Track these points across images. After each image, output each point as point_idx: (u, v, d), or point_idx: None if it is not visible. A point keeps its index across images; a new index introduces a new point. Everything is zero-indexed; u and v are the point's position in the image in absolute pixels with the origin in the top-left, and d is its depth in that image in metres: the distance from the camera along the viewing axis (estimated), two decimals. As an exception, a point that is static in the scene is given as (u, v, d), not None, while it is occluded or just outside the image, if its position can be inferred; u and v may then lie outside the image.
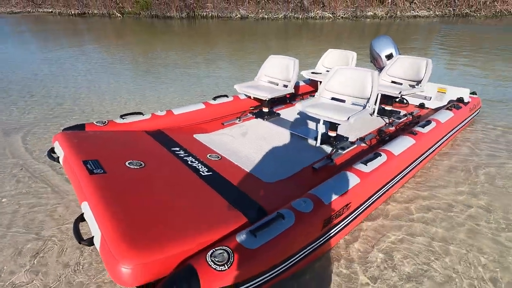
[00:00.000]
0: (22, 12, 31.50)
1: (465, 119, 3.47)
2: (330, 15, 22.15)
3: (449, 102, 3.67)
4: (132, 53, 9.86)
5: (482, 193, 2.64)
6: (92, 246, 1.98)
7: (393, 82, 3.69)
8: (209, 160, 2.45)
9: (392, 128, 3.33)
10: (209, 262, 1.30)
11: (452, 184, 2.77)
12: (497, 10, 19.77)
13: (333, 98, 2.99)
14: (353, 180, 2.00)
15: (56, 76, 6.82)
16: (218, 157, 2.58)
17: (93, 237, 1.42)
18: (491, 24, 16.62)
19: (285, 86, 3.49)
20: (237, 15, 23.03)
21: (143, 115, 3.05)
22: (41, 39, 13.34)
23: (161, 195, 1.78)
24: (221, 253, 1.35)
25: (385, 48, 3.85)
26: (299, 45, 11.38)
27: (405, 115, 3.59)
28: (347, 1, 22.63)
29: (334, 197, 1.85)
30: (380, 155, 2.28)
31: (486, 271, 1.89)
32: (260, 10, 22.83)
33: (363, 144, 2.95)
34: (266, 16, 22.50)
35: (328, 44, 11.40)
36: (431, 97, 3.82)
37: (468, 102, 3.54)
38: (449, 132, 3.14)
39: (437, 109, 3.75)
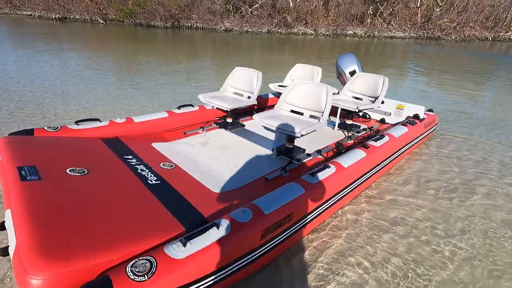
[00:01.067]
0: (1, 14, 30.53)
1: (420, 135, 3.64)
2: (312, 32, 22.90)
3: (407, 118, 3.84)
4: (110, 60, 9.71)
5: (430, 207, 2.75)
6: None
7: (354, 97, 3.83)
8: (161, 169, 2.42)
9: (351, 142, 3.43)
10: (128, 273, 1.26)
11: (403, 197, 2.87)
12: (466, 35, 21.17)
13: (292, 111, 3.06)
14: (298, 191, 2.03)
15: (22, 79, 6.59)
16: (172, 166, 2.56)
17: (8, 246, 1.35)
18: (459, 47, 17.74)
19: (249, 98, 3.54)
20: (221, 27, 23.34)
21: (100, 122, 2.99)
22: (16, 41, 12.93)
23: (96, 204, 1.73)
24: (143, 263, 1.32)
25: (349, 65, 4.02)
26: (283, 59, 11.63)
27: (364, 129, 3.72)
28: (328, 20, 23.55)
29: (275, 207, 1.86)
30: (329, 167, 2.34)
31: (424, 279, 1.95)
32: (244, 24, 23.26)
33: (320, 156, 3.02)
34: (250, 30, 22.93)
35: (310, 59, 11.78)
36: (390, 113, 3.99)
37: (423, 119, 3.72)
38: (403, 147, 3.28)
39: (395, 125, 3.91)
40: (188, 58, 10.81)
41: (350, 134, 3.58)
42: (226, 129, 3.52)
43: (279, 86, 4.34)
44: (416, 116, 3.72)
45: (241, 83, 3.62)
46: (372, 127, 3.80)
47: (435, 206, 2.74)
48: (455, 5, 21.61)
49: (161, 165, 2.50)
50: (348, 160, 2.54)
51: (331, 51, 14.62)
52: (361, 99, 3.79)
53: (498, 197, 2.92)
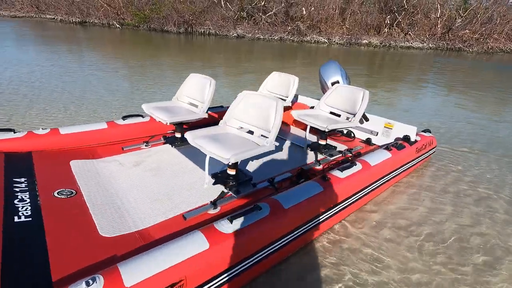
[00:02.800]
0: (25, 16, 31.98)
1: (410, 161, 2.97)
2: (326, 40, 22.28)
3: (395, 139, 3.19)
4: (121, 66, 9.42)
5: (404, 268, 2.08)
6: None
7: (332, 113, 3.22)
8: (52, 198, 1.93)
9: (319, 167, 2.82)
10: None
11: (370, 249, 2.18)
12: (489, 47, 19.82)
13: (243, 128, 2.51)
14: (204, 245, 1.47)
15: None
16: (72, 193, 2.06)
17: None
18: (482, 59, 16.53)
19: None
20: (233, 34, 23.17)
21: (15, 132, 2.55)
22: (32, 43, 13.13)
23: None
24: None
25: (331, 75, 3.42)
26: (295, 66, 11.08)
27: (340, 152, 3.09)
28: (343, 29, 22.87)
29: (161, 267, 1.31)
30: (259, 208, 1.75)
31: None
32: (256, 31, 22.98)
33: (271, 187, 2.42)
34: (262, 37, 22.60)
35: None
36: (377, 133, 3.35)
37: (415, 141, 3.05)
38: (382, 177, 2.63)
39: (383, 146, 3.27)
40: (201, 65, 10.34)
41: (320, 158, 2.97)
42: (172, 146, 3.01)
43: None
44: (406, 138, 3.05)
45: (195, 92, 3.09)
46: (352, 149, 3.17)
47: (413, 267, 2.06)
48: (478, 16, 20.35)
49: (56, 193, 2.01)
50: (295, 197, 1.94)
51: (345, 60, 13.91)
52: (339, 115, 3.18)
53: (499, 253, 2.19)
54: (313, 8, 22.97)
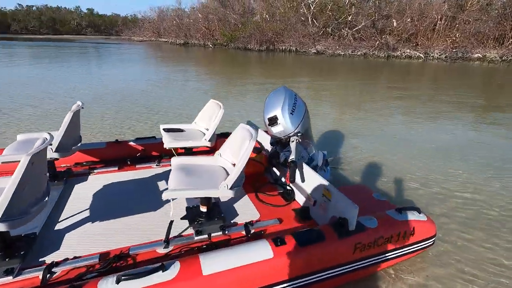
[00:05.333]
0: (148, 40, 39.25)
1: (328, 270, 1.56)
2: (421, 55, 18.95)
3: (331, 219, 1.90)
4: (211, 79, 10.14)
5: None
6: None
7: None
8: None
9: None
10: None
11: None
12: None
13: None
14: None
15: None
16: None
17: None
18: None
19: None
20: (312, 50, 22.36)
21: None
22: (156, 61, 15.66)
23: None
24: None
25: (271, 108, 2.42)
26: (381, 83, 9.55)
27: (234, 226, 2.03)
28: (446, 41, 19.01)
29: None
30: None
31: None
32: (337, 47, 21.52)
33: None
34: (342, 53, 21.00)
35: (424, 91, 8.35)
36: (315, 201, 2.11)
37: (363, 231, 1.69)
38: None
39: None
40: (283, 81, 10.01)
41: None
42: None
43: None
44: (340, 222, 1.69)
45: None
46: (254, 223, 1.99)
47: None
48: None
49: None
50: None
51: (448, 79, 11.21)
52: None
53: None
54: (409, 19, 19.99)
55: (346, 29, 22.37)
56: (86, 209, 1.99)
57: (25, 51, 20.06)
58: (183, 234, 1.77)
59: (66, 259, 1.53)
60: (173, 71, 11.97)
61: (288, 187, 2.36)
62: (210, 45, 28.84)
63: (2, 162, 2.06)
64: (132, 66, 13.17)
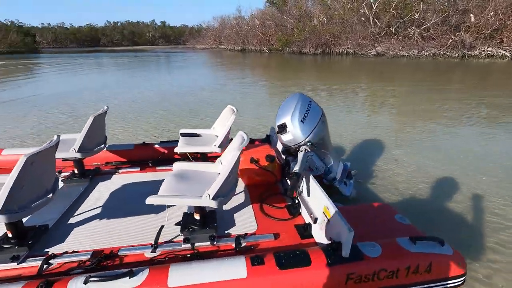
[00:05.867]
0: (210, 48, 41.72)
1: None
2: (507, 54, 16.18)
3: (329, 241, 1.62)
4: (266, 84, 10.30)
5: None
6: None
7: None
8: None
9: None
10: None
11: None
12: None
13: None
14: None
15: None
16: None
17: None
18: None
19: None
20: (372, 52, 20.93)
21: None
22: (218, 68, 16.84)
23: None
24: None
25: (281, 115, 2.27)
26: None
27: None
28: (543, 35, 15.88)
29: None
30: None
31: None
32: (401, 47, 19.73)
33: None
34: (407, 54, 19.15)
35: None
36: (316, 219, 1.86)
37: (360, 259, 1.41)
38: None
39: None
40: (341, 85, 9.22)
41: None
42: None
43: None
44: (335, 247, 1.45)
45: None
46: (244, 236, 1.83)
47: None
48: None
49: None
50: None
51: None
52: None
53: None
54: (492, 13, 17.27)
55: (413, 27, 20.40)
56: (99, 207, 2.13)
57: (109, 61, 23.13)
58: (173, 240, 1.77)
59: (65, 253, 1.65)
60: (229, 76, 12.42)
61: (296, 200, 2.19)
62: (266, 50, 29.30)
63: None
64: (192, 72, 14.05)
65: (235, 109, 2.58)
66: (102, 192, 2.35)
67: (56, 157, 2.19)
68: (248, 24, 34.57)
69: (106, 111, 2.55)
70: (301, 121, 2.16)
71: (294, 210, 2.09)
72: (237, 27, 35.26)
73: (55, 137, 1.71)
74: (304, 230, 1.89)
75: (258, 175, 2.43)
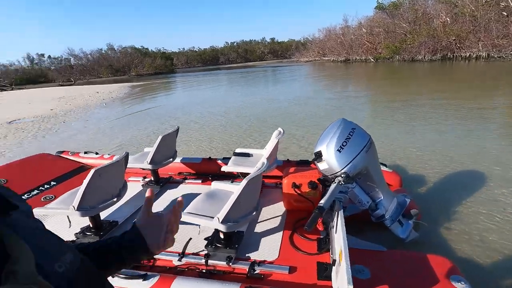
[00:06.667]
0: (313, 60, 41.99)
1: None
2: None
3: None
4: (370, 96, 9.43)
5: None
6: None
7: None
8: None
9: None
10: None
11: None
12: None
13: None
14: None
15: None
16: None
17: None
18: None
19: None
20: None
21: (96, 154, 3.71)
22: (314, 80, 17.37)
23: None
24: None
25: (319, 141, 2.11)
26: None
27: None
28: None
29: None
30: None
31: None
32: None
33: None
34: None
35: None
36: (334, 260, 1.59)
37: None
38: None
39: None
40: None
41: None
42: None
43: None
44: None
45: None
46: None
47: None
48: None
49: None
50: None
51: None
52: None
53: None
54: None
55: None
56: (157, 211, 2.55)
57: (222, 77, 26.31)
58: (198, 253, 1.95)
59: None
60: (329, 89, 12.05)
61: (327, 235, 2.06)
62: (372, 60, 27.30)
63: (129, 167, 2.99)
64: (290, 86, 14.43)
65: (282, 131, 2.62)
66: (167, 198, 2.79)
67: (135, 166, 2.76)
68: (354, 33, 33.10)
69: (177, 130, 3.02)
70: (338, 150, 2.02)
71: (323, 246, 1.97)
72: (341, 37, 34.28)
73: (124, 153, 2.19)
74: (325, 270, 1.76)
75: (297, 202, 2.38)
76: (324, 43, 40.18)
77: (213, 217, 1.72)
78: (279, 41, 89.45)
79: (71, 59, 52.95)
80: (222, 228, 1.68)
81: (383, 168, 2.80)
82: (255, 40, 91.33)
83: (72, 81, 39.18)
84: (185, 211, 1.85)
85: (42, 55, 56.63)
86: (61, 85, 32.98)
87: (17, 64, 52.34)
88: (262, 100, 10.31)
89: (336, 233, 1.86)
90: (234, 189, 2.17)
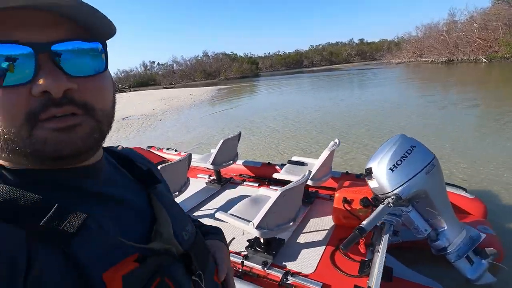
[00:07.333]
0: (406, 61, 37.79)
1: None
2: None
3: None
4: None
5: None
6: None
7: None
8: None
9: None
10: None
11: None
12: None
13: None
14: None
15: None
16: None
17: None
18: None
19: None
20: None
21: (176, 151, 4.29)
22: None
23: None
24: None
25: (372, 157, 1.91)
26: None
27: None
28: None
29: None
30: None
31: None
32: None
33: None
34: None
35: None
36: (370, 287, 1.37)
37: None
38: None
39: None
40: None
41: None
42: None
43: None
44: None
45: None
46: None
47: None
48: None
49: None
50: None
51: None
52: None
53: None
54: None
55: None
56: (213, 208, 2.81)
57: (303, 80, 26.00)
58: (240, 253, 2.08)
59: None
60: (424, 96, 10.87)
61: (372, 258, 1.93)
62: (484, 60, 22.86)
63: (195, 166, 3.37)
64: (374, 91, 13.33)
65: (337, 142, 2.55)
66: (224, 197, 3.03)
67: (200, 166, 3.11)
68: (462, 29, 28.33)
69: (239, 135, 3.24)
70: (390, 169, 1.87)
71: (365, 269, 1.85)
72: (445, 35, 29.80)
73: (187, 154, 2.50)
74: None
75: (346, 218, 2.29)
76: (422, 42, 35.66)
77: (250, 221, 1.82)
78: (368, 41, 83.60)
79: (174, 65, 61.32)
80: (256, 233, 1.76)
81: (461, 193, 2.43)
82: (341, 42, 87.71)
83: (173, 84, 45.43)
84: (229, 212, 2.01)
85: (153, 62, 67.22)
86: (165, 88, 38.55)
87: (135, 70, 63.59)
88: (341, 105, 9.88)
89: (377, 258, 1.73)
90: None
